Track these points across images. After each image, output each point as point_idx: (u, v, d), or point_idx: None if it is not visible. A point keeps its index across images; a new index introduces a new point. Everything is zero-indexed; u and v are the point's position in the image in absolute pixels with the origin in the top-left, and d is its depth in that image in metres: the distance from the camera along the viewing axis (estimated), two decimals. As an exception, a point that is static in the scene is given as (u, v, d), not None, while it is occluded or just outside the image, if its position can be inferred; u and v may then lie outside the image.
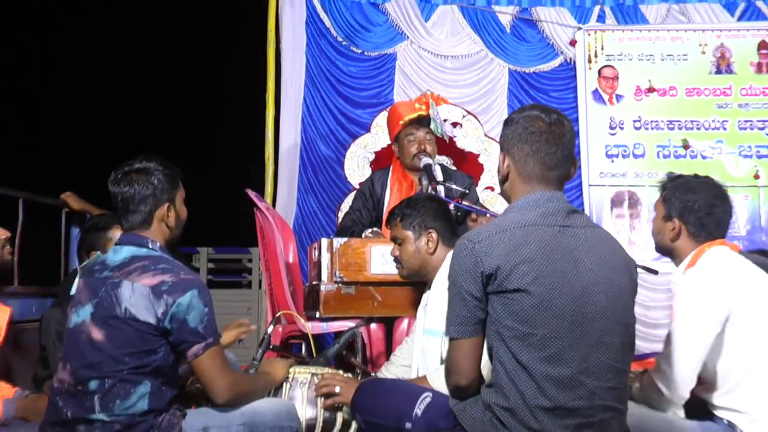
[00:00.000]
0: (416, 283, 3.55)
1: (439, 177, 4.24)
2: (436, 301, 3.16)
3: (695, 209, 2.78)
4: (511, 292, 2.18)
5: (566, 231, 2.27)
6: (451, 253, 3.15)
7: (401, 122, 4.42)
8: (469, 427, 2.28)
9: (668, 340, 2.66)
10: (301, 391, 2.94)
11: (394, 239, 3.35)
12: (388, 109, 4.87)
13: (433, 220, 3.27)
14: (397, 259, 3.37)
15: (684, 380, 2.60)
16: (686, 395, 2.62)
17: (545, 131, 2.34)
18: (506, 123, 2.42)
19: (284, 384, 2.95)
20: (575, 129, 5.59)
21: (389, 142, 4.72)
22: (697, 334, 2.59)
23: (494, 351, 2.25)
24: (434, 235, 3.24)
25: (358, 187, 4.96)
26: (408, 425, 2.43)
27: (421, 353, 3.21)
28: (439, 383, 2.78)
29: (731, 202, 2.86)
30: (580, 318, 2.19)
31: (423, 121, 4.49)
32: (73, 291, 2.63)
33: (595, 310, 2.21)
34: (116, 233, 3.51)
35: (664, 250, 2.89)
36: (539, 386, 2.16)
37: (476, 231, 2.30)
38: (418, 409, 2.44)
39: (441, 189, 4.15)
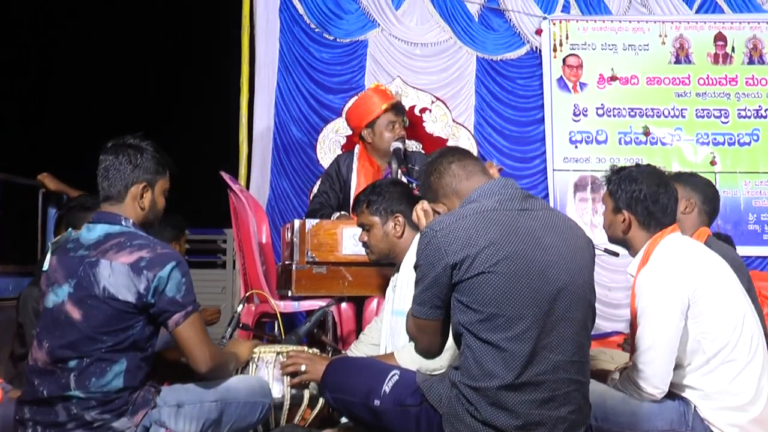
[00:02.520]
0: (386, 264, 3.59)
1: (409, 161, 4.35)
2: (403, 282, 3.21)
3: (641, 199, 2.80)
4: (476, 276, 2.22)
5: (525, 214, 2.33)
6: (417, 239, 3.29)
7: (384, 107, 4.43)
8: (435, 404, 2.33)
9: (640, 341, 2.69)
10: (267, 370, 2.95)
11: (361, 226, 3.39)
12: (358, 96, 4.91)
13: (398, 204, 3.32)
14: (365, 245, 3.41)
15: (665, 376, 2.65)
16: (666, 389, 2.67)
17: (444, 158, 2.52)
18: (426, 177, 2.57)
19: (250, 364, 2.96)
20: (540, 115, 5.74)
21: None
22: (667, 332, 2.63)
23: (462, 338, 2.29)
24: (401, 219, 3.30)
25: (328, 170, 5.03)
26: (377, 402, 2.46)
27: (390, 333, 3.26)
28: (406, 360, 2.87)
29: (674, 187, 2.89)
30: (543, 295, 2.24)
31: (400, 108, 4.57)
32: (45, 267, 2.60)
33: (558, 286, 2.26)
34: None
35: (618, 241, 2.92)
36: (507, 364, 2.20)
37: (438, 220, 2.36)
38: (387, 387, 2.47)
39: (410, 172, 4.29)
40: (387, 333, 3.31)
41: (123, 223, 2.57)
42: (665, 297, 2.66)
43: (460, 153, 2.57)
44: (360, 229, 3.48)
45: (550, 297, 2.26)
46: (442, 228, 2.29)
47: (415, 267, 2.39)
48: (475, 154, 5.25)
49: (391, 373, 2.53)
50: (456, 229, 2.28)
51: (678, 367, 2.69)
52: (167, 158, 2.70)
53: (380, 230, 3.35)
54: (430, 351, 2.46)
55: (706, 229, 3.44)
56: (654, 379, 2.65)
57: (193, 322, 2.52)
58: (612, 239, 2.95)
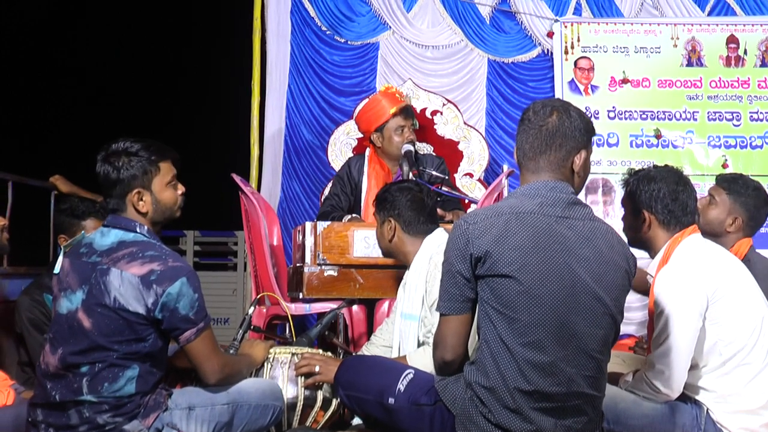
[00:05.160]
0: (397, 266, 3.65)
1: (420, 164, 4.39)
2: (412, 285, 3.24)
3: (661, 197, 2.80)
4: (499, 276, 2.20)
5: (563, 222, 2.27)
6: (424, 240, 3.32)
7: (392, 111, 4.44)
8: (449, 404, 2.33)
9: (658, 341, 2.68)
10: (282, 370, 2.96)
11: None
12: (367, 99, 4.88)
13: (395, 209, 3.36)
14: None
15: (681, 377, 2.65)
16: (681, 389, 2.67)
17: (526, 120, 2.37)
18: (525, 124, 2.40)
19: (265, 364, 2.97)
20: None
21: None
22: (687, 332, 2.62)
23: (481, 330, 2.27)
24: (393, 223, 3.35)
25: (339, 172, 5.02)
26: (391, 400, 2.46)
27: (400, 336, 3.28)
28: (418, 363, 2.86)
29: (693, 186, 2.88)
30: (566, 308, 2.21)
31: (409, 112, 4.57)
32: (56, 269, 2.58)
33: (583, 301, 2.23)
34: (90, 224, 3.50)
35: (638, 243, 2.90)
36: (520, 369, 2.19)
37: (473, 213, 2.34)
38: (401, 385, 2.47)
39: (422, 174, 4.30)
40: (398, 336, 3.32)
41: (138, 230, 2.54)
42: (685, 297, 2.64)
43: (552, 143, 2.35)
44: (371, 232, 3.53)
45: (572, 310, 2.23)
46: (476, 222, 2.27)
47: (444, 261, 2.36)
48: (486, 157, 5.27)
49: (406, 372, 2.53)
50: (489, 225, 2.25)
51: (693, 368, 2.68)
52: (160, 149, 2.60)
53: (379, 230, 3.44)
54: (450, 354, 2.35)
55: (747, 240, 3.38)
56: (672, 380, 2.64)
57: (204, 338, 2.52)
58: (632, 242, 2.91)
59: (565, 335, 2.22)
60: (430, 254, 3.24)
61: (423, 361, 2.91)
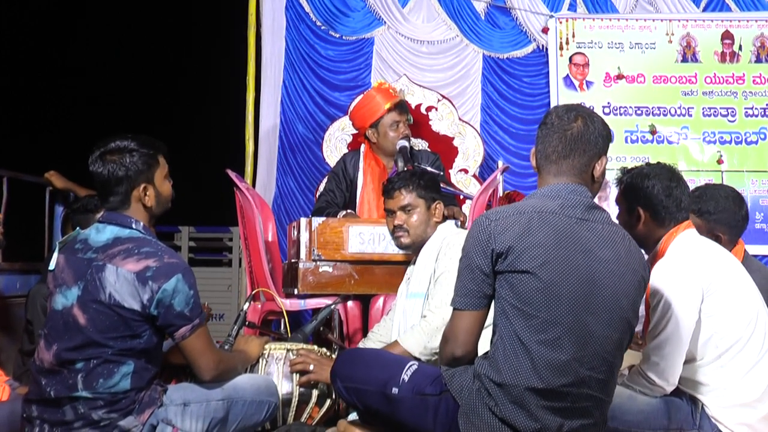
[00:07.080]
0: (393, 262, 3.68)
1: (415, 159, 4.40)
2: (420, 266, 3.31)
3: (655, 194, 2.81)
4: (519, 273, 2.22)
5: (583, 224, 2.29)
6: (440, 228, 3.39)
7: (386, 106, 4.46)
8: (456, 394, 2.32)
9: (654, 333, 2.68)
10: (277, 366, 2.98)
11: (403, 207, 3.45)
12: (361, 95, 4.90)
13: (437, 192, 3.47)
14: (400, 227, 3.46)
15: (676, 369, 2.66)
16: (676, 383, 2.68)
17: (549, 123, 2.39)
18: (544, 128, 2.43)
19: (260, 360, 2.98)
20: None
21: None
22: (683, 325, 2.63)
23: (498, 327, 2.28)
24: (441, 205, 3.43)
25: (334, 168, 5.02)
26: (395, 390, 2.45)
27: (403, 315, 3.32)
28: (410, 343, 2.93)
29: (686, 182, 2.88)
30: (584, 308, 2.22)
31: (403, 107, 4.60)
32: (51, 266, 2.58)
33: (601, 302, 2.24)
34: None
35: (635, 241, 2.90)
36: (535, 367, 2.19)
37: (495, 210, 2.35)
38: (405, 375, 2.46)
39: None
40: (401, 316, 3.35)
41: (133, 226, 2.55)
42: (681, 290, 2.65)
43: (576, 148, 2.37)
44: (366, 227, 3.50)
45: (589, 311, 2.23)
46: (498, 218, 2.29)
47: (462, 256, 2.36)
48: (481, 153, 5.27)
49: (410, 363, 2.53)
50: (511, 222, 2.26)
51: (689, 361, 2.68)
52: (155, 143, 2.63)
53: (424, 213, 3.44)
54: (461, 350, 2.35)
55: (739, 246, 3.33)
56: (667, 372, 2.65)
57: (199, 334, 2.53)
58: None
59: (582, 335, 2.23)
60: (444, 235, 3.34)
61: (415, 338, 2.97)
